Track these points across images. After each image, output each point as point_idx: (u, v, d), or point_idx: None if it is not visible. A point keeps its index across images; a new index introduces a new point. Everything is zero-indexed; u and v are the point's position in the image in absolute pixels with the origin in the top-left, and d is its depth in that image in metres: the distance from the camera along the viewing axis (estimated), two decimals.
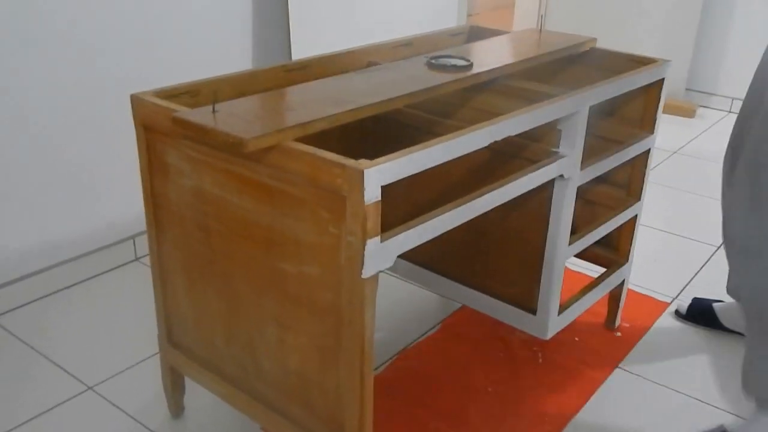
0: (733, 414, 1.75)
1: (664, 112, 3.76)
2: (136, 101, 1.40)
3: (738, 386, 1.83)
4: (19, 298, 2.08)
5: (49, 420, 1.67)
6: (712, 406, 1.78)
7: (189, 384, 1.67)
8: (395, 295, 2.19)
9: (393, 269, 1.98)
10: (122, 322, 2.03)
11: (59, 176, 2.09)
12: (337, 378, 1.27)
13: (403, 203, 1.87)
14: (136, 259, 2.34)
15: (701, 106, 4.05)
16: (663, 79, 1.77)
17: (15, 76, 1.92)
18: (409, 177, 1.20)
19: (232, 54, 2.44)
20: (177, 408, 1.68)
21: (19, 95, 1.95)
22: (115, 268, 2.29)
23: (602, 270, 1.99)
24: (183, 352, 1.57)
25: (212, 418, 1.68)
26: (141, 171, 1.45)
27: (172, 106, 1.33)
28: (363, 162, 1.10)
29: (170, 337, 1.59)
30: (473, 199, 1.35)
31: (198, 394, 1.73)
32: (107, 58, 2.10)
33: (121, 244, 2.29)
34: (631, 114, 1.84)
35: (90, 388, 1.78)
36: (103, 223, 2.24)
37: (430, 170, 1.25)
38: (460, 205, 1.32)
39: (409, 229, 1.23)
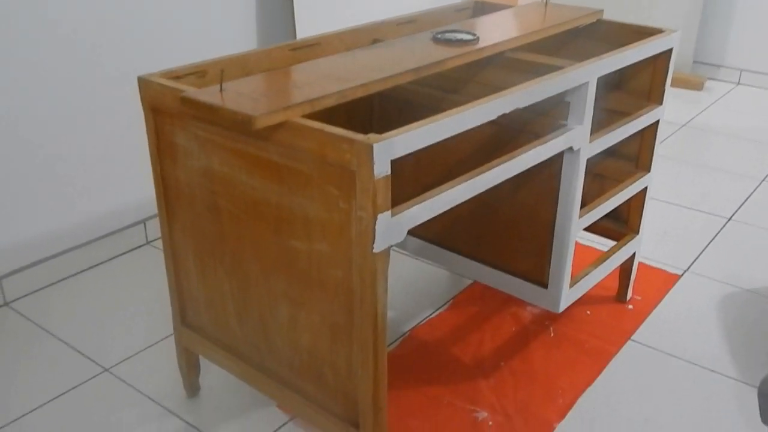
0: (744, 383, 1.75)
1: (672, 85, 3.73)
2: (144, 83, 1.40)
3: (748, 354, 1.83)
4: (33, 284, 2.10)
5: (67, 401, 1.69)
6: (725, 376, 1.78)
7: (204, 363, 1.69)
8: (406, 272, 2.19)
9: (403, 247, 1.99)
10: (136, 304, 2.05)
11: (70, 162, 2.10)
12: (349, 354, 1.28)
13: (412, 182, 1.87)
14: (148, 242, 2.35)
15: (709, 78, 4.02)
16: (671, 49, 1.75)
17: (22, 61, 1.93)
18: (416, 155, 1.20)
19: (237, 35, 2.43)
20: (192, 387, 1.69)
21: (27, 80, 1.95)
22: (127, 252, 2.30)
23: (612, 244, 1.99)
24: (197, 332, 1.58)
25: (227, 396, 1.70)
26: (150, 153, 1.46)
27: (180, 86, 1.34)
28: (372, 136, 1.10)
29: (184, 317, 1.60)
30: (483, 172, 1.35)
31: (213, 374, 1.74)
32: (113, 42, 2.10)
33: (133, 228, 2.31)
34: (639, 86, 1.83)
35: (106, 369, 1.79)
36: (114, 208, 2.25)
37: (437, 148, 1.25)
38: (470, 179, 1.32)
39: (419, 203, 1.23)
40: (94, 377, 1.77)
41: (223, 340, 1.53)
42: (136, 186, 2.28)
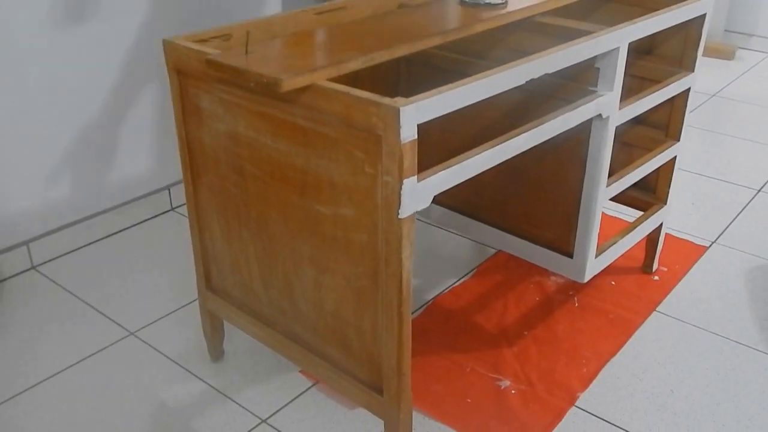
0: None
1: (702, 54, 3.66)
2: (169, 46, 1.39)
3: None
4: (59, 248, 2.12)
5: (92, 364, 1.71)
6: (752, 348, 1.76)
7: (228, 328, 1.70)
8: (430, 241, 2.19)
9: (427, 215, 1.97)
10: (161, 270, 2.06)
11: (94, 128, 2.11)
12: (374, 319, 1.28)
13: (437, 150, 1.85)
14: (172, 209, 2.36)
15: (740, 47, 3.93)
16: (704, 15, 1.71)
17: (48, 29, 1.93)
18: (442, 122, 1.18)
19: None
20: (217, 351, 1.71)
21: (51, 47, 1.95)
22: (152, 218, 2.32)
23: (639, 215, 1.96)
24: (221, 297, 1.59)
25: (251, 360, 1.71)
26: (175, 116, 1.45)
27: (205, 49, 1.33)
28: (399, 100, 1.09)
29: (208, 282, 1.61)
30: (511, 138, 1.33)
31: (237, 338, 1.76)
32: (137, 6, 2.09)
33: (157, 194, 2.32)
34: (670, 52, 1.79)
35: (132, 333, 1.81)
36: (139, 174, 2.26)
37: (463, 114, 1.23)
38: (497, 144, 1.30)
39: (446, 168, 1.22)
40: (119, 340, 1.79)
41: (247, 305, 1.54)
42: (160, 152, 2.28)
